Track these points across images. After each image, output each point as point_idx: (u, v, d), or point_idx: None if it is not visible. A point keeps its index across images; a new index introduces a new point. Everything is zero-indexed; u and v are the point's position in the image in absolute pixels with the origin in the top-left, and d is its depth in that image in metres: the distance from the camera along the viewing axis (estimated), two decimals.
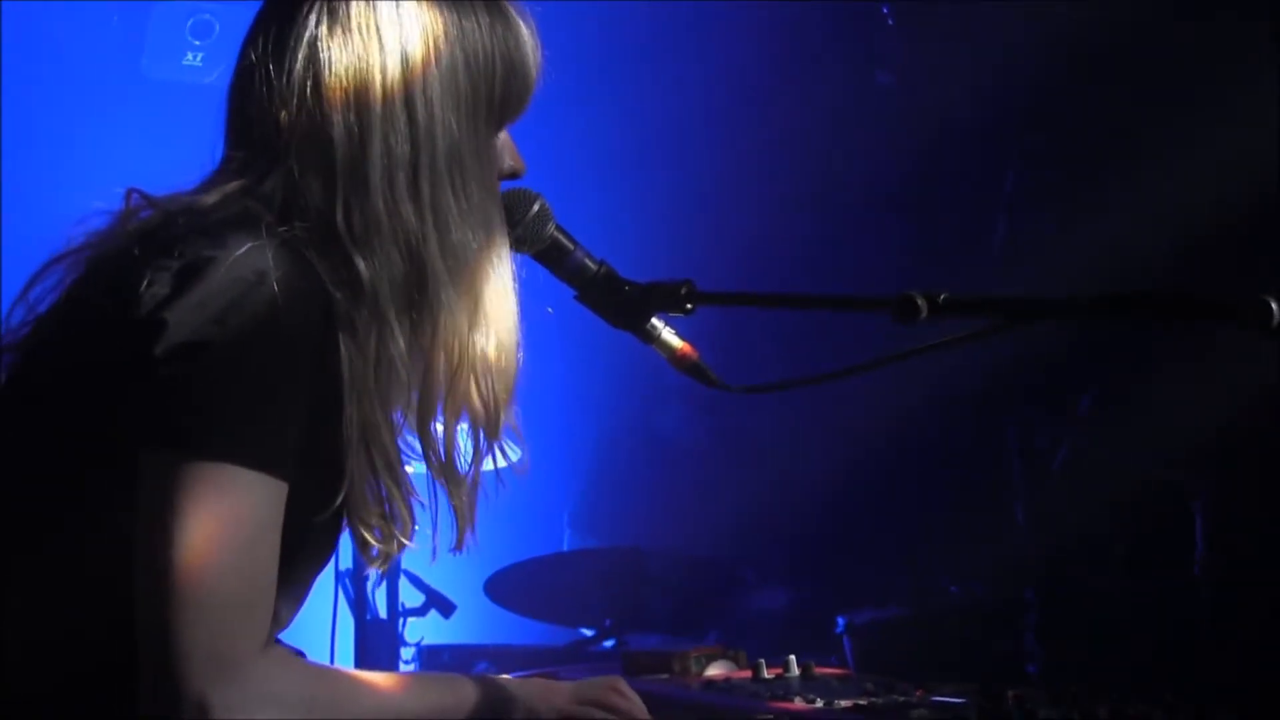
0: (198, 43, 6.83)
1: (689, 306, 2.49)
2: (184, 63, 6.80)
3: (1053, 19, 5.14)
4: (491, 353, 2.31)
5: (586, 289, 2.53)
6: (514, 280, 2.38)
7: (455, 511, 2.34)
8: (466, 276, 2.26)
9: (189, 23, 6.84)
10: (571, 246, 2.51)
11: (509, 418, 2.37)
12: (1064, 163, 5.36)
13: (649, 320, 2.51)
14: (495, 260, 2.32)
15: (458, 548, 2.37)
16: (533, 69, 2.38)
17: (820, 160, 6.10)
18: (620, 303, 2.52)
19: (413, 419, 2.27)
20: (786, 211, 6.13)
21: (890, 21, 5.98)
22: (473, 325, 2.27)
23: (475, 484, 2.36)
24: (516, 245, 2.46)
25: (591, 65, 6.70)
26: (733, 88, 6.68)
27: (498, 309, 2.32)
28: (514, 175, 2.44)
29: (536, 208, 2.48)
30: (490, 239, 2.31)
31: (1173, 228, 4.65)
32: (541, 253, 2.50)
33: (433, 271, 2.22)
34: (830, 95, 6.22)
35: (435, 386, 2.26)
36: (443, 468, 2.31)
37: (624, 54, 6.91)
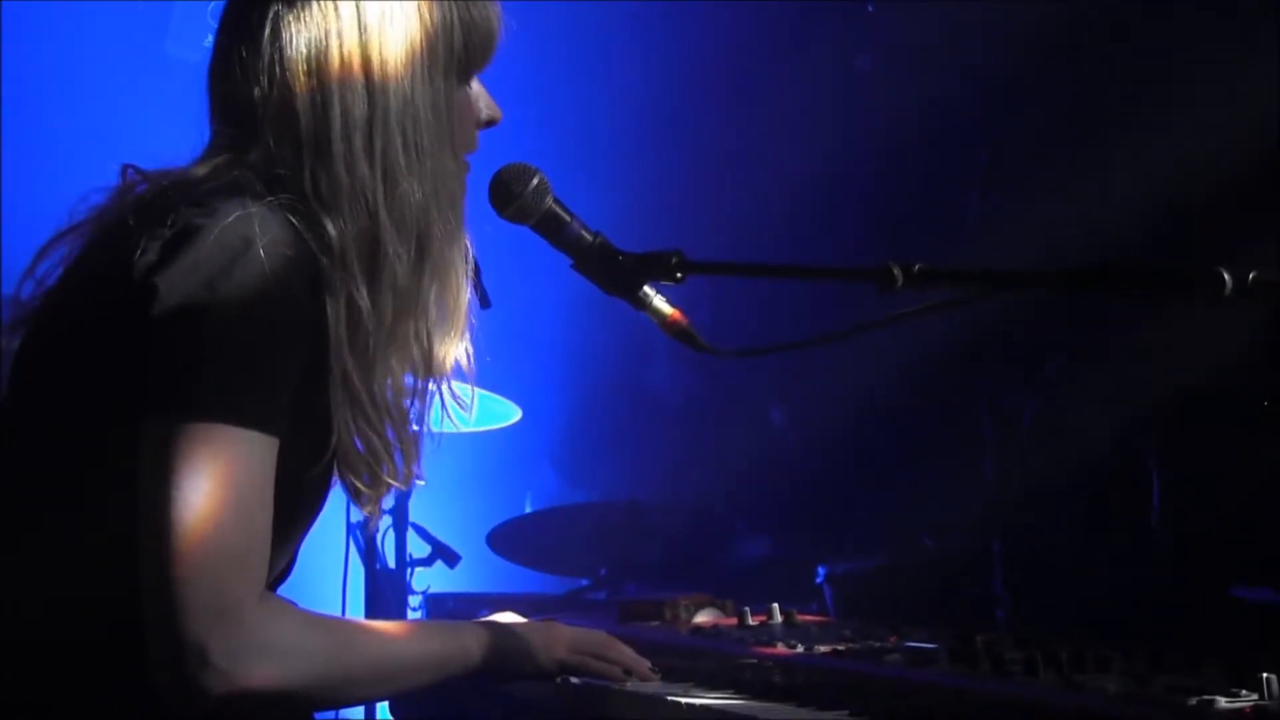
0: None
1: (679, 275, 2.49)
2: (205, 44, 6.79)
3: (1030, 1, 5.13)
4: (433, 298, 2.31)
5: (582, 258, 2.53)
6: (464, 227, 2.38)
7: (400, 448, 2.33)
8: (410, 226, 2.26)
9: (210, 6, 6.82)
10: (568, 218, 2.52)
11: (459, 358, 2.37)
12: (1035, 144, 5.36)
13: (641, 288, 2.52)
14: (444, 209, 2.31)
15: (404, 485, 2.35)
16: (493, 21, 2.38)
17: (803, 140, 6.09)
18: (614, 272, 2.52)
19: (364, 360, 2.25)
20: (771, 187, 6.12)
21: (870, 8, 5.97)
22: (416, 272, 2.27)
23: (420, 423, 2.36)
24: (515, 217, 2.47)
25: (582, 49, 6.68)
26: (718, 71, 6.66)
27: (443, 255, 2.32)
28: (491, 123, 2.45)
29: (535, 181, 2.48)
30: (440, 189, 2.31)
31: (1139, 206, 4.65)
32: (540, 224, 2.51)
33: (380, 221, 2.22)
34: (812, 79, 6.20)
35: (381, 329, 2.24)
36: (388, 407, 2.30)
37: (613, 36, 6.89)
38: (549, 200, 2.50)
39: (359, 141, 2.22)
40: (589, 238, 2.53)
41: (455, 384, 2.44)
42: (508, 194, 2.45)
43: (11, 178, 6.12)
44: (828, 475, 5.93)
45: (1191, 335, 4.10)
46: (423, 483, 2.38)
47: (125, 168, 2.29)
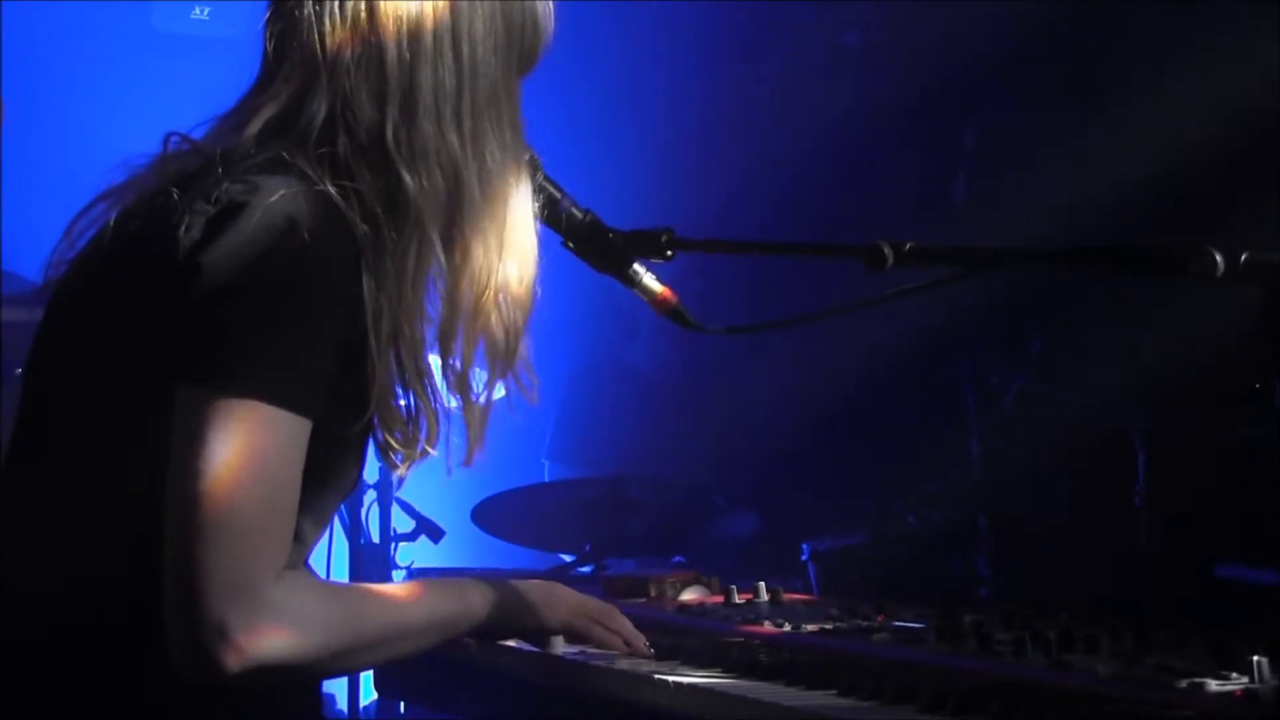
0: None
1: (669, 253, 2.50)
2: (192, 17, 6.77)
3: None
4: (514, 281, 2.31)
5: (572, 236, 2.53)
6: (534, 218, 2.39)
7: (468, 429, 2.33)
8: (499, 206, 2.27)
9: None
10: (559, 196, 2.52)
11: (523, 346, 2.37)
12: (1023, 121, 5.36)
13: (631, 266, 2.51)
14: (522, 195, 2.34)
15: (467, 463, 2.35)
16: (549, 31, 2.40)
17: (793, 117, 6.08)
18: (604, 249, 2.52)
19: (438, 336, 2.27)
20: (761, 166, 6.10)
21: None
22: (500, 253, 2.28)
23: (488, 405, 2.36)
24: None
25: (573, 29, 6.64)
26: (708, 49, 6.64)
27: (521, 241, 2.33)
28: None
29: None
30: (519, 175, 2.33)
31: (1129, 186, 4.66)
32: None
33: (471, 197, 2.23)
34: (800, 56, 6.19)
35: (462, 306, 2.26)
36: (460, 386, 2.31)
37: (604, 16, 6.86)
38: (539, 177, 2.50)
39: (448, 110, 2.22)
40: (579, 215, 2.53)
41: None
42: None
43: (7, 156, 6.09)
44: (813, 452, 5.93)
45: (1178, 315, 4.11)
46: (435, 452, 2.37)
47: (169, 135, 2.26)
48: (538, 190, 2.49)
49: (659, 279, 2.53)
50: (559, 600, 2.52)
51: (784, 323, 2.50)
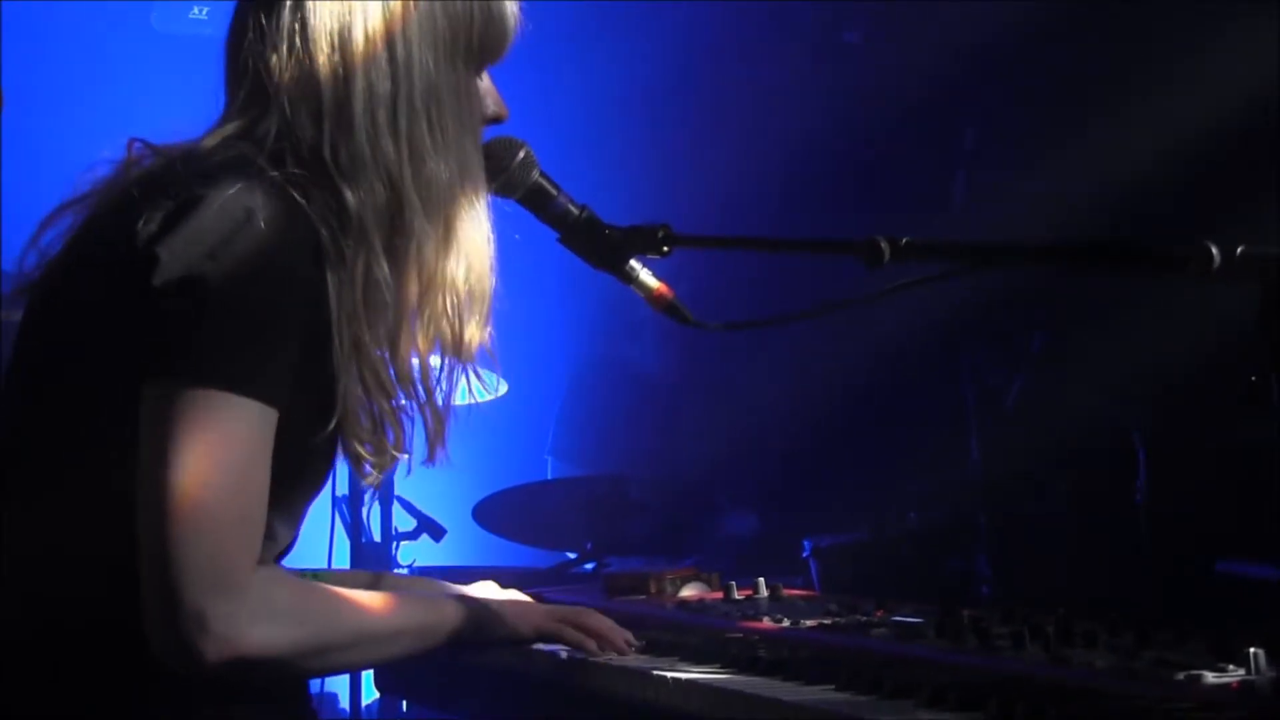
0: None
1: (665, 249, 2.50)
2: (190, 17, 6.77)
3: None
4: (462, 278, 2.30)
5: (569, 232, 2.53)
6: (488, 212, 2.37)
7: (426, 428, 2.34)
8: (438, 206, 2.26)
9: None
10: (554, 192, 2.52)
11: (483, 342, 2.37)
12: (1022, 120, 5.36)
13: (628, 262, 2.51)
14: (469, 191, 2.32)
15: (429, 461, 2.36)
16: (510, 19, 2.39)
17: (791, 116, 6.07)
18: (601, 245, 2.52)
19: (388, 339, 2.27)
20: (759, 163, 6.10)
21: None
22: (444, 252, 2.27)
23: (447, 403, 2.36)
24: (502, 190, 2.47)
25: (572, 28, 6.65)
26: (706, 47, 6.64)
27: (470, 237, 2.31)
28: (497, 120, 2.45)
29: (522, 155, 2.48)
30: (465, 172, 2.31)
31: (1126, 183, 4.66)
32: (526, 198, 2.51)
33: (407, 200, 2.22)
34: (799, 54, 6.19)
35: (406, 308, 2.26)
36: (410, 380, 2.31)
37: (603, 15, 6.87)
38: (535, 174, 2.50)
39: (383, 117, 2.21)
40: (575, 211, 2.53)
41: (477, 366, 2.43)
42: (495, 167, 2.44)
43: (7, 156, 6.08)
44: (814, 450, 5.93)
45: (1179, 315, 4.11)
46: (407, 456, 2.37)
47: (131, 141, 2.28)
48: (533, 187, 2.49)
49: (655, 275, 2.53)
50: (531, 609, 2.56)
51: (781, 319, 2.50)
